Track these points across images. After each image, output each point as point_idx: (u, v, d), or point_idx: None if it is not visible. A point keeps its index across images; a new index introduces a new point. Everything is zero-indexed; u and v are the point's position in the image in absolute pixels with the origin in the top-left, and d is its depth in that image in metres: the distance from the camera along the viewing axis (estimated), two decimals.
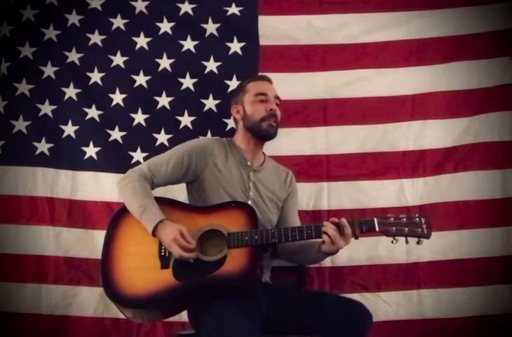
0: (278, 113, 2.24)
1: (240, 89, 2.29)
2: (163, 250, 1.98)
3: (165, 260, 1.97)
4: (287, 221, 2.26)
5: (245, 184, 2.19)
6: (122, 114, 2.68)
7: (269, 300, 2.02)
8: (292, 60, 2.69)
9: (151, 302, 1.94)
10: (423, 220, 1.92)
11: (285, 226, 2.20)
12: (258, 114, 2.19)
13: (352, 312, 1.93)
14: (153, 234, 1.98)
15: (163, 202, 2.07)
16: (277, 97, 2.26)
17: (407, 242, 1.92)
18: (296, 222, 2.27)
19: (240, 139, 2.26)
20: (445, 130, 2.63)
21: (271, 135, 2.21)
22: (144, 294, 1.93)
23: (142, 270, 1.97)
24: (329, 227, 1.91)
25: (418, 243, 1.91)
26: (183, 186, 2.24)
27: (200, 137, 2.55)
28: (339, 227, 1.91)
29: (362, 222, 1.92)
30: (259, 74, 2.59)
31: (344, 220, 1.92)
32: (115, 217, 2.10)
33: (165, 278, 1.94)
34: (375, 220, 1.92)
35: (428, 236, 1.91)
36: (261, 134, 2.20)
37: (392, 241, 1.91)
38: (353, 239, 1.92)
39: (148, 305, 1.96)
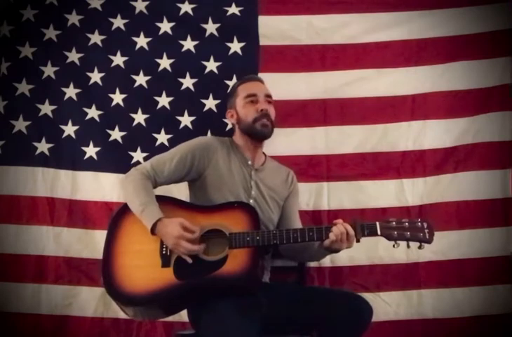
0: (272, 111, 2.23)
1: (232, 93, 2.30)
2: (164, 249, 1.99)
3: (166, 258, 1.97)
4: (287, 220, 2.26)
5: (247, 183, 2.19)
6: (122, 114, 2.68)
7: (269, 300, 2.01)
8: (292, 60, 2.69)
9: (151, 300, 1.94)
10: (425, 225, 1.91)
11: (286, 225, 2.21)
12: (250, 116, 2.20)
13: (352, 305, 1.94)
14: (153, 232, 1.97)
15: (166, 201, 2.07)
16: (268, 96, 2.25)
17: (408, 246, 1.91)
18: (296, 221, 2.27)
19: (238, 140, 2.27)
20: (445, 130, 2.63)
21: (265, 135, 2.22)
22: (144, 292, 1.93)
23: (142, 268, 1.97)
24: (339, 227, 1.90)
25: (420, 247, 1.90)
26: (182, 185, 2.24)
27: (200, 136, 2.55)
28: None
29: (365, 226, 1.91)
30: (259, 74, 2.59)
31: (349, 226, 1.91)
32: (117, 214, 2.10)
33: (166, 277, 1.94)
34: (377, 224, 1.91)
35: (429, 241, 1.90)
36: (256, 135, 2.21)
37: (393, 245, 1.90)
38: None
39: (148, 304, 1.96)
